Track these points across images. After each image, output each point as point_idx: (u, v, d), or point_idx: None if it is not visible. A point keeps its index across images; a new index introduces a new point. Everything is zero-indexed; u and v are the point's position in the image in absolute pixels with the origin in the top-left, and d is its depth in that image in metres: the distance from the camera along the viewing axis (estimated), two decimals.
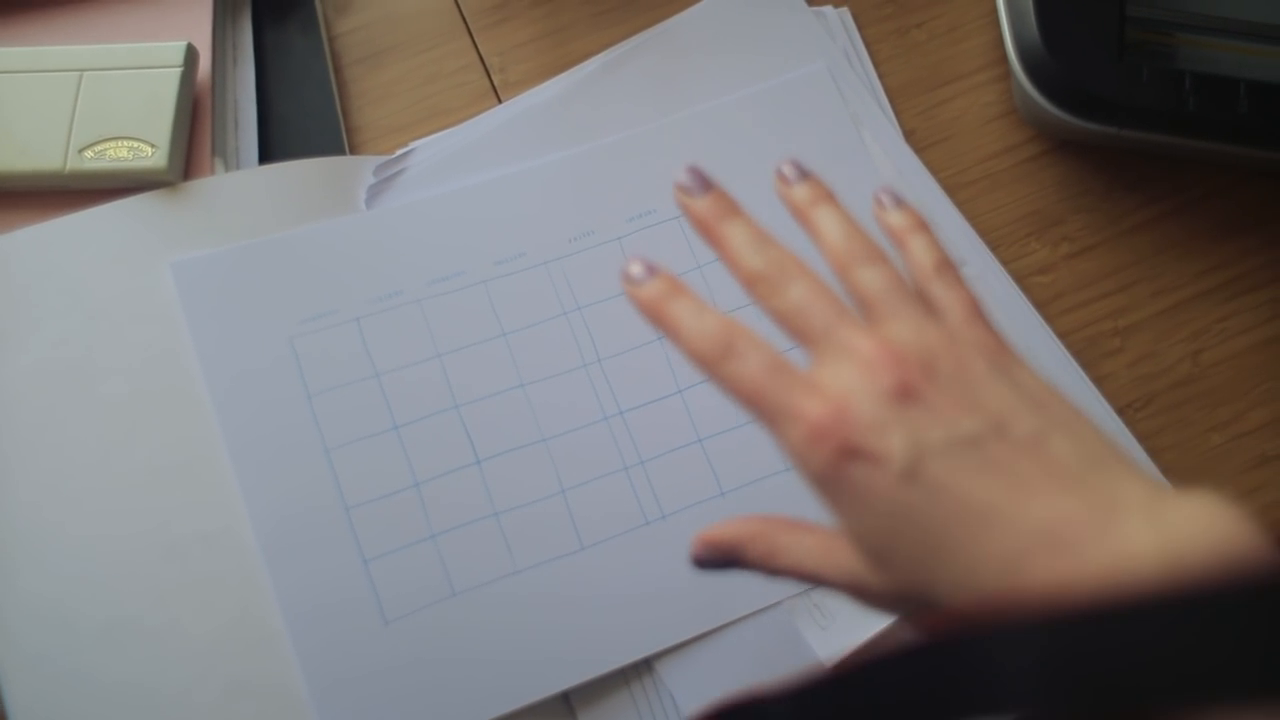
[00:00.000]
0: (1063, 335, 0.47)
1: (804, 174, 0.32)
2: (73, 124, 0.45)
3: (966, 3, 0.53)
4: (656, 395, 0.44)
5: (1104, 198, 0.50)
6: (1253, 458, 0.46)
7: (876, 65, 0.52)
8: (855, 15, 0.53)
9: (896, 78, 0.52)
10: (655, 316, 0.29)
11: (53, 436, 0.42)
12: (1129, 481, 0.25)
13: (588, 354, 0.45)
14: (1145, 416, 0.46)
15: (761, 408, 0.27)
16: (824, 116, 0.49)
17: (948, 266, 0.31)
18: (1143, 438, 0.45)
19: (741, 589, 0.42)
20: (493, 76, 0.51)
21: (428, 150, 0.49)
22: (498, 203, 0.47)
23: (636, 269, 0.30)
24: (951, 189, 0.49)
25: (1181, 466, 0.45)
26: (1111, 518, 0.24)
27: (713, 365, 0.28)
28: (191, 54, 0.46)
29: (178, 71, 0.45)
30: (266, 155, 0.48)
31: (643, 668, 0.41)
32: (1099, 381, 0.46)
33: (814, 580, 0.30)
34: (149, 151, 0.44)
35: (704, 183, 0.31)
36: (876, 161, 0.49)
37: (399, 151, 0.49)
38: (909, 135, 0.50)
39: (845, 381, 0.27)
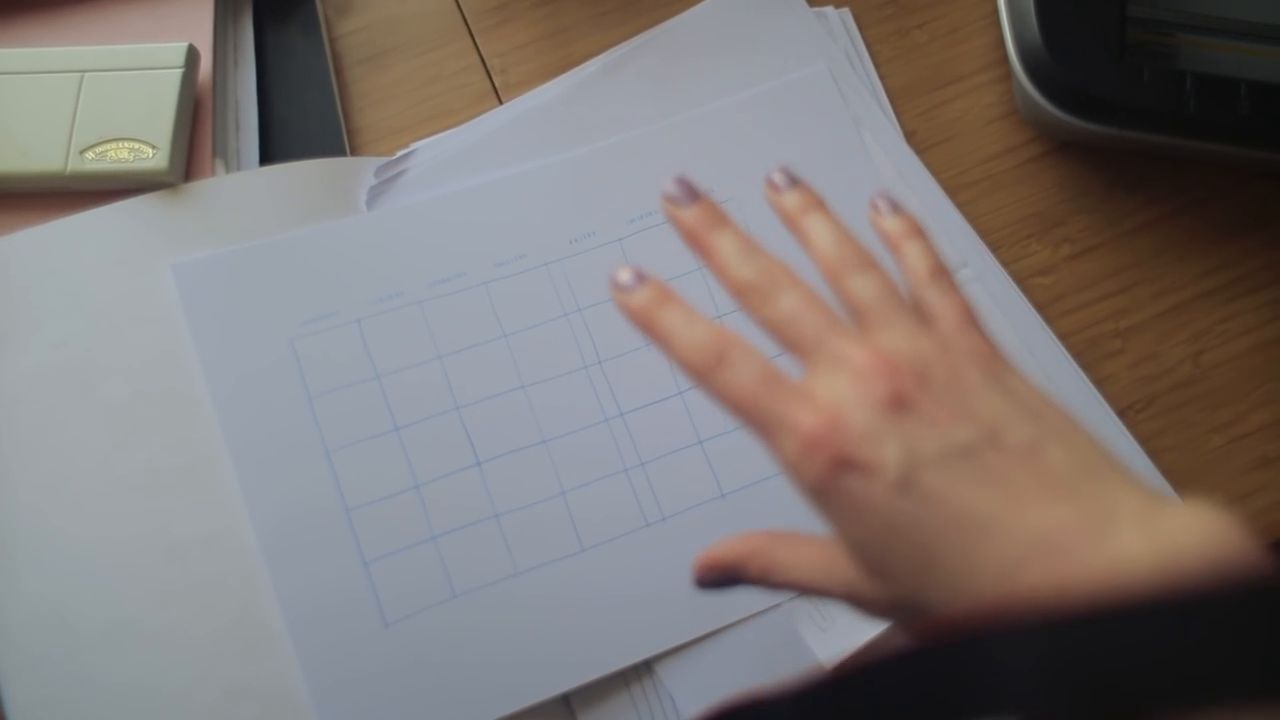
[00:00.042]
0: (1064, 337, 0.47)
1: (794, 181, 0.32)
2: (74, 125, 0.45)
3: (967, 4, 0.53)
4: (657, 397, 0.44)
5: (1105, 199, 0.50)
6: (1254, 459, 0.46)
7: (877, 66, 0.52)
8: (856, 16, 0.53)
9: (897, 79, 0.52)
10: (645, 325, 0.29)
11: (53, 438, 0.42)
12: (1123, 490, 0.25)
13: (588, 355, 0.45)
14: (1146, 418, 0.46)
15: (754, 418, 0.27)
16: (825, 118, 0.49)
17: (942, 273, 0.31)
18: (1144, 439, 0.45)
19: (741, 591, 0.42)
20: (494, 78, 0.51)
21: (429, 151, 0.49)
22: (499, 204, 0.47)
23: (625, 276, 0.29)
24: (952, 190, 0.49)
25: (1182, 468, 0.45)
26: (1106, 526, 0.24)
27: (704, 375, 0.28)
28: (192, 55, 0.46)
29: (179, 73, 0.45)
30: (267, 157, 0.49)
31: (643, 669, 0.41)
32: (1100, 383, 0.46)
33: (813, 592, 0.30)
34: (150, 153, 0.44)
35: (692, 193, 0.30)
36: (877, 162, 0.49)
37: (400, 153, 0.49)
38: (910, 136, 0.50)
39: (838, 391, 0.26)
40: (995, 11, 0.50)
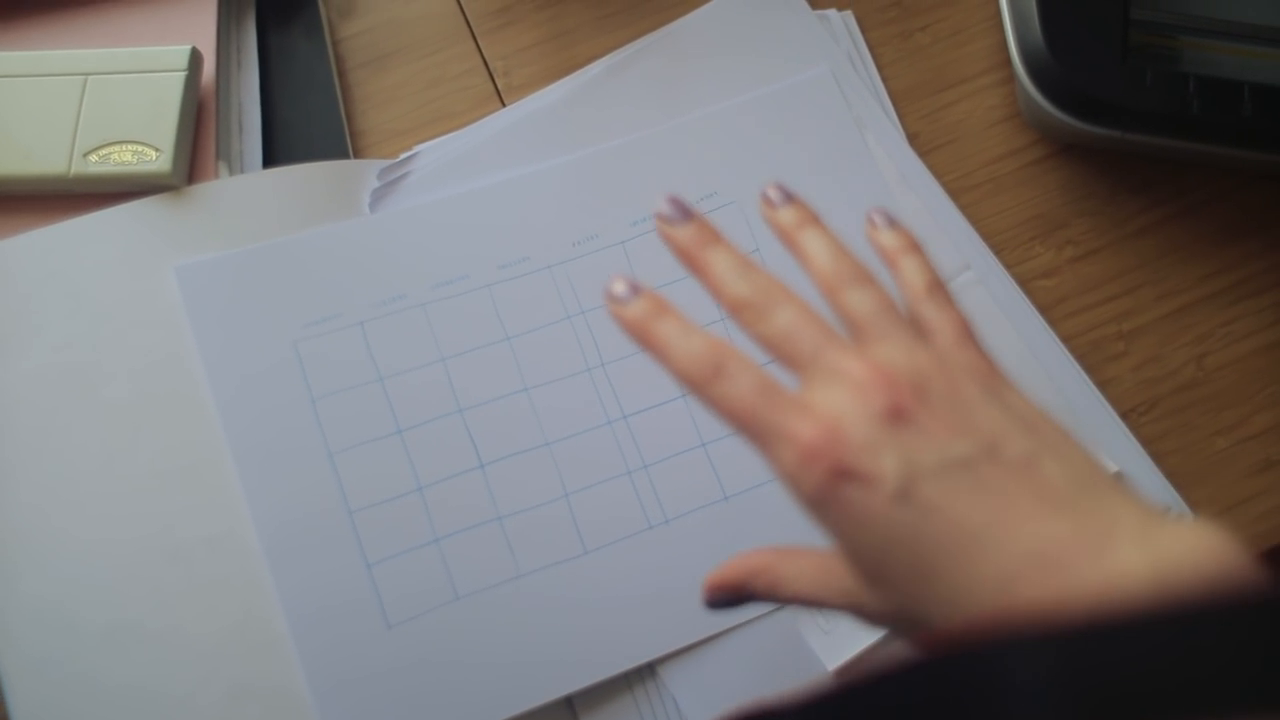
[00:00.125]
0: (1067, 339, 0.47)
1: (789, 197, 0.32)
2: (77, 128, 0.45)
3: (970, 6, 0.53)
4: (660, 399, 0.44)
5: (1108, 201, 0.50)
6: (1257, 462, 0.46)
7: (880, 69, 0.52)
8: (859, 19, 0.53)
9: (900, 81, 0.52)
10: (641, 337, 0.29)
11: (56, 440, 0.42)
12: (1121, 505, 0.25)
13: (591, 358, 0.45)
14: (1149, 420, 0.46)
15: (752, 429, 0.27)
16: (828, 120, 0.49)
17: (939, 288, 0.31)
18: (1147, 442, 0.45)
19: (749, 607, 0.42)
20: (496, 80, 0.51)
21: (432, 154, 0.49)
22: (501, 207, 0.47)
23: (620, 288, 0.29)
24: (955, 193, 0.49)
25: (1186, 471, 0.45)
26: (1104, 541, 0.24)
27: (701, 386, 0.28)
28: (196, 58, 0.47)
29: (182, 75, 0.46)
30: (270, 159, 0.49)
31: (646, 672, 0.41)
32: (1103, 385, 0.46)
33: (815, 604, 0.30)
34: (153, 155, 0.44)
35: (685, 212, 0.30)
36: (880, 165, 0.49)
37: (403, 155, 0.49)
38: (913, 139, 0.50)
39: (837, 403, 0.26)
40: (998, 14, 0.50)
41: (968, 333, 0.30)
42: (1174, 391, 0.47)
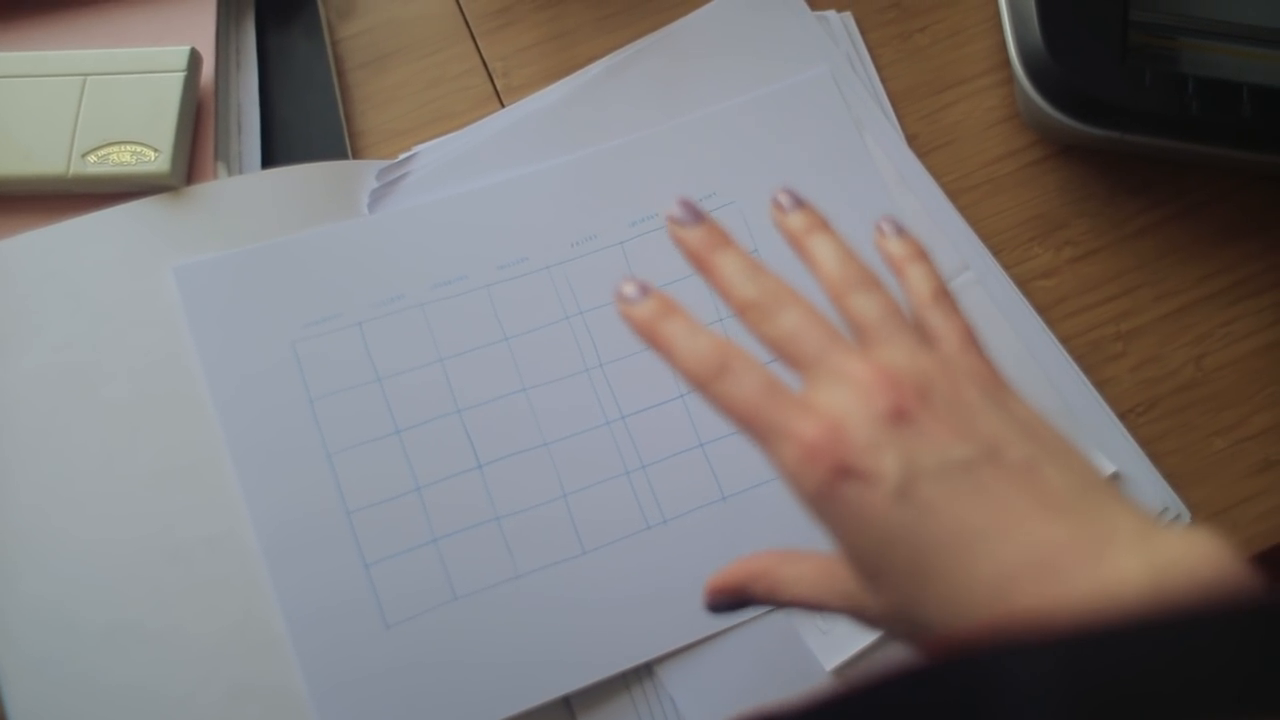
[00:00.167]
0: (1065, 340, 0.47)
1: (799, 202, 0.32)
2: (76, 128, 0.45)
3: (969, 7, 0.53)
4: (658, 400, 0.44)
5: (1107, 202, 0.50)
6: (1256, 462, 0.46)
7: (879, 69, 0.52)
8: (858, 20, 0.53)
9: (899, 82, 0.52)
10: (649, 336, 0.29)
11: (55, 440, 0.42)
12: (1120, 512, 0.25)
13: (589, 358, 0.45)
14: (1148, 421, 0.46)
15: (755, 427, 0.27)
16: (827, 121, 0.49)
17: (945, 296, 0.31)
18: (1145, 442, 0.45)
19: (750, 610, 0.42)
20: (496, 81, 0.51)
21: (430, 155, 0.49)
22: (500, 207, 0.47)
23: (630, 289, 0.30)
24: (954, 193, 0.49)
25: (1184, 471, 0.45)
26: (1102, 546, 0.24)
27: (706, 384, 0.28)
28: (195, 58, 0.47)
29: (181, 76, 0.46)
30: (269, 160, 0.49)
31: (644, 672, 0.41)
32: (1102, 386, 0.46)
33: (815, 606, 0.30)
34: (152, 156, 0.45)
35: (695, 214, 0.31)
36: (879, 166, 0.49)
37: (402, 156, 0.49)
38: (912, 140, 0.50)
39: (840, 403, 0.27)
40: (997, 15, 0.50)
41: (972, 339, 0.30)
42: (1173, 392, 0.47)
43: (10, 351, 0.43)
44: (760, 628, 0.42)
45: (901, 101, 0.51)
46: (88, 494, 0.41)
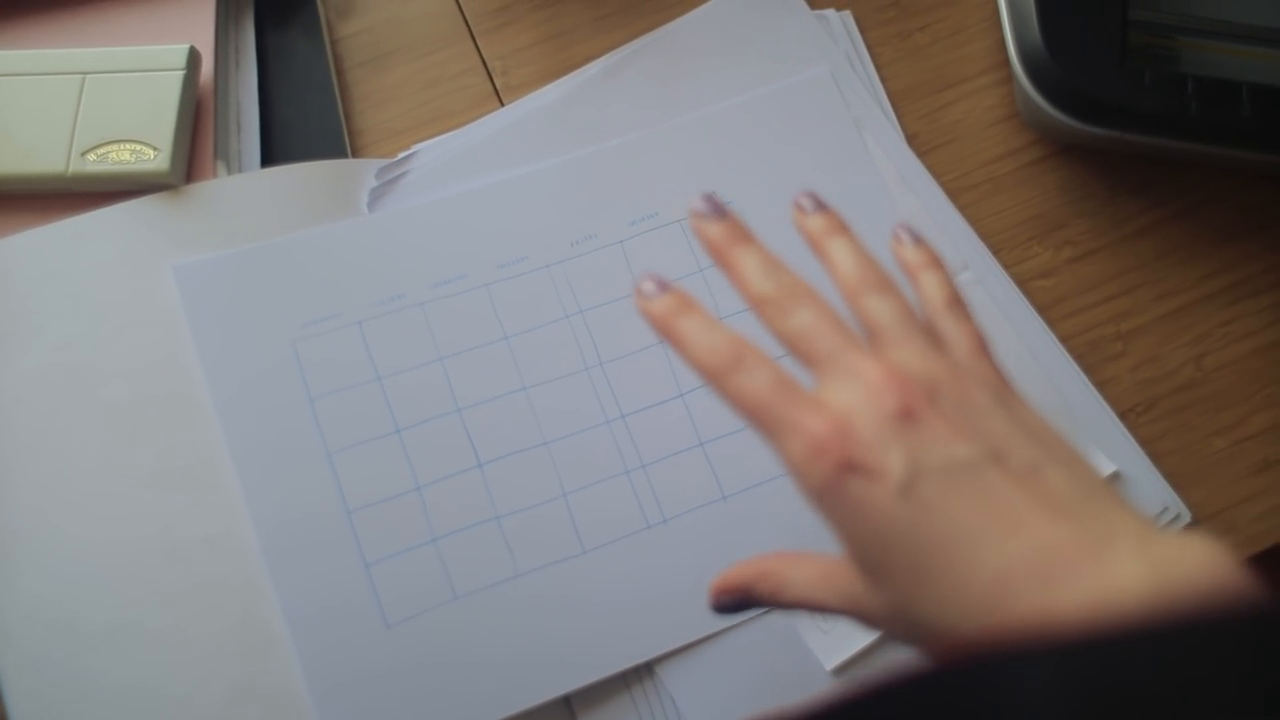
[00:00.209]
0: (1065, 339, 0.47)
1: (820, 205, 0.33)
2: (75, 127, 0.45)
3: (969, 6, 0.53)
4: (658, 399, 0.44)
5: (1106, 202, 0.50)
6: (1256, 462, 0.46)
7: (879, 69, 0.52)
8: (857, 19, 0.53)
9: (899, 81, 0.52)
10: (665, 330, 0.30)
11: (55, 440, 0.42)
12: (1120, 516, 0.26)
13: (589, 357, 0.45)
14: (1148, 421, 0.46)
15: (764, 421, 0.28)
16: (826, 120, 0.49)
17: (958, 303, 0.31)
18: (1145, 442, 0.45)
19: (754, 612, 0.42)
20: (495, 80, 0.51)
21: (430, 154, 0.49)
22: (500, 206, 0.47)
23: (649, 285, 0.30)
24: (954, 193, 0.49)
25: (1184, 471, 0.45)
26: (1104, 548, 0.24)
27: (719, 378, 0.28)
28: (194, 57, 0.47)
29: (180, 75, 0.45)
30: (269, 158, 0.49)
31: (644, 671, 0.41)
32: (1101, 386, 0.46)
33: (818, 609, 0.30)
34: (151, 154, 0.44)
35: (718, 209, 0.31)
36: (879, 165, 0.49)
37: (401, 155, 0.49)
38: (911, 139, 0.50)
39: (849, 400, 0.27)
40: (996, 14, 0.50)
41: (983, 346, 0.30)
42: (1172, 392, 0.47)
43: (10, 351, 0.43)
44: (761, 627, 0.42)
45: (901, 101, 0.51)
46: (88, 494, 0.41)
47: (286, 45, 0.51)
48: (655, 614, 0.42)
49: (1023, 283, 0.48)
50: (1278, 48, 0.48)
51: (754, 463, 0.44)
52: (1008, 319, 0.46)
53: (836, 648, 0.42)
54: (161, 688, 0.39)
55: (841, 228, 0.32)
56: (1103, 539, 0.25)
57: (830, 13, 0.52)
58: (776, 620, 0.42)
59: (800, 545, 0.33)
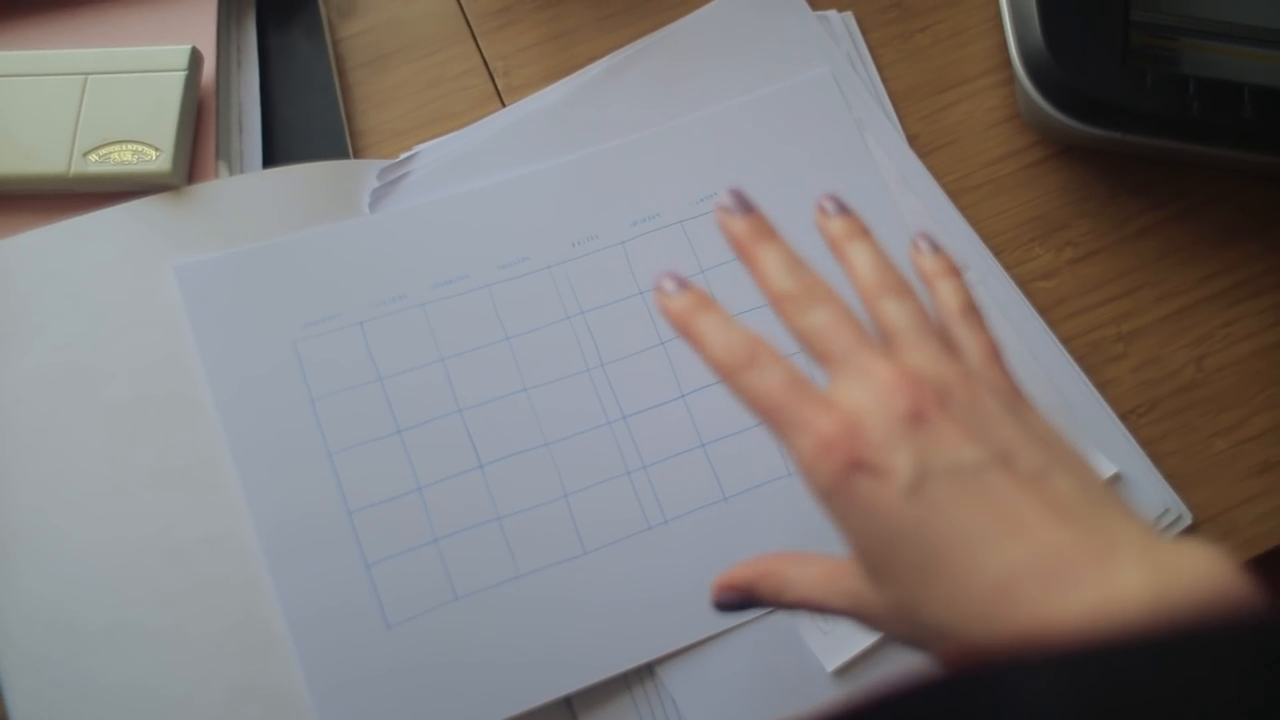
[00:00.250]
0: (1066, 340, 0.47)
1: (843, 209, 0.33)
2: (77, 127, 0.45)
3: (970, 7, 0.53)
4: (659, 400, 0.44)
5: (1108, 203, 0.50)
6: (1257, 463, 0.46)
7: (880, 70, 0.52)
8: (859, 20, 0.53)
9: (900, 82, 0.52)
10: (683, 327, 0.30)
11: (56, 440, 0.42)
12: (1125, 523, 0.26)
13: (591, 358, 0.45)
14: (1149, 422, 0.46)
15: (775, 418, 0.28)
16: (828, 121, 0.49)
17: (973, 311, 0.32)
18: (1146, 443, 0.45)
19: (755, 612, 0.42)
20: (496, 80, 0.51)
21: (431, 154, 0.49)
22: (501, 207, 0.47)
23: (669, 283, 0.31)
24: (955, 194, 0.49)
25: (1185, 472, 0.45)
26: (1108, 553, 0.25)
27: (733, 374, 0.29)
28: (196, 58, 0.47)
29: (182, 75, 0.46)
30: (270, 159, 0.49)
31: (645, 672, 0.41)
32: (1102, 387, 0.46)
33: (820, 609, 0.31)
34: (153, 155, 0.45)
35: (744, 205, 0.32)
36: (880, 166, 0.49)
37: (403, 155, 0.49)
38: (913, 140, 0.50)
39: (860, 400, 0.27)
40: (998, 15, 0.50)
41: (995, 354, 0.31)
42: (1173, 393, 0.47)
43: (10, 351, 0.43)
44: (761, 628, 0.42)
45: (902, 101, 0.51)
46: (88, 494, 0.41)
47: (288, 46, 0.51)
48: (656, 615, 0.42)
49: (1024, 284, 0.48)
50: (1279, 49, 0.48)
51: (755, 464, 0.44)
52: (1009, 320, 0.46)
53: (837, 649, 0.42)
54: (162, 688, 0.39)
55: (862, 232, 0.32)
56: (1106, 545, 0.25)
57: (832, 13, 0.52)
58: (777, 621, 0.42)
59: (802, 546, 0.33)
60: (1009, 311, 0.47)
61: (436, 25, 0.52)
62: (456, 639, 0.41)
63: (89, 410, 0.42)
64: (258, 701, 0.39)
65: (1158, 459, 0.45)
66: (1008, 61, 0.50)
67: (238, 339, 0.43)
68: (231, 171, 0.47)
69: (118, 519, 0.41)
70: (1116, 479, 0.44)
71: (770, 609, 0.42)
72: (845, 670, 0.41)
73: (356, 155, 0.50)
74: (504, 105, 0.51)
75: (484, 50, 0.52)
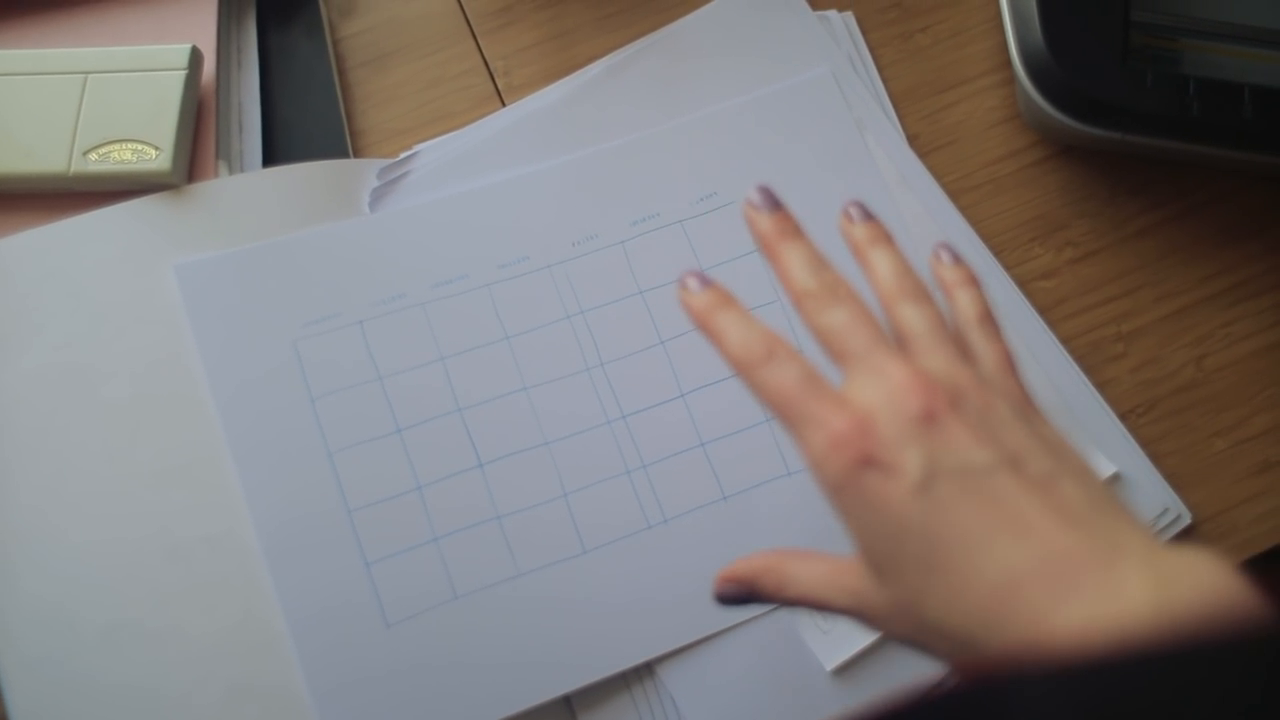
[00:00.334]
0: (1066, 340, 0.47)
1: (868, 216, 0.34)
2: (77, 126, 0.45)
3: (971, 7, 0.53)
4: (659, 399, 0.44)
5: (1108, 203, 0.50)
6: (1256, 463, 0.46)
7: (880, 70, 0.52)
8: (859, 20, 0.53)
9: (900, 82, 0.52)
10: (703, 323, 0.31)
11: (55, 439, 0.42)
12: (1130, 530, 0.26)
13: (590, 358, 0.45)
14: (1148, 422, 0.46)
15: (789, 413, 0.29)
16: (828, 121, 0.49)
17: (990, 320, 0.32)
18: (1146, 443, 0.45)
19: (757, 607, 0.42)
20: (497, 80, 0.51)
21: (431, 154, 0.49)
22: (501, 206, 0.47)
23: (692, 281, 0.32)
24: (955, 194, 0.49)
25: (1185, 472, 0.45)
26: (1111, 558, 0.25)
27: (749, 369, 0.29)
28: (196, 57, 0.47)
29: (182, 74, 0.46)
30: (270, 158, 0.49)
31: (644, 671, 0.41)
32: (1102, 387, 0.46)
33: (822, 606, 0.31)
34: (153, 154, 0.45)
35: (772, 203, 0.33)
36: (880, 166, 0.49)
37: (403, 155, 0.49)
38: (913, 140, 0.50)
39: (873, 399, 0.28)
40: (998, 15, 0.50)
41: (1010, 363, 0.31)
42: (1173, 393, 0.47)
43: (10, 350, 0.43)
44: (761, 627, 0.42)
45: (903, 102, 0.51)
46: (87, 493, 0.41)
47: (288, 45, 0.51)
48: (656, 614, 0.42)
49: (1024, 283, 0.48)
50: (1279, 49, 0.48)
51: (755, 463, 0.44)
52: (1009, 320, 0.46)
53: (837, 648, 0.42)
54: (162, 687, 0.39)
55: (885, 238, 0.33)
56: (1111, 551, 0.25)
57: (832, 13, 0.52)
58: (777, 621, 0.42)
59: (802, 545, 0.33)
60: (1009, 311, 0.47)
61: (437, 25, 0.53)
62: (456, 638, 0.41)
63: (89, 409, 0.42)
64: (257, 701, 0.39)
65: (1157, 459, 0.45)
66: (1008, 61, 0.50)
67: (238, 338, 0.43)
68: (231, 170, 0.47)
69: (117, 519, 0.41)
70: (1116, 478, 0.44)
71: (771, 606, 0.42)
72: (844, 669, 0.41)
73: (356, 154, 0.50)
74: (504, 105, 0.51)
75: (484, 50, 0.52)
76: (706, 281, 0.32)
